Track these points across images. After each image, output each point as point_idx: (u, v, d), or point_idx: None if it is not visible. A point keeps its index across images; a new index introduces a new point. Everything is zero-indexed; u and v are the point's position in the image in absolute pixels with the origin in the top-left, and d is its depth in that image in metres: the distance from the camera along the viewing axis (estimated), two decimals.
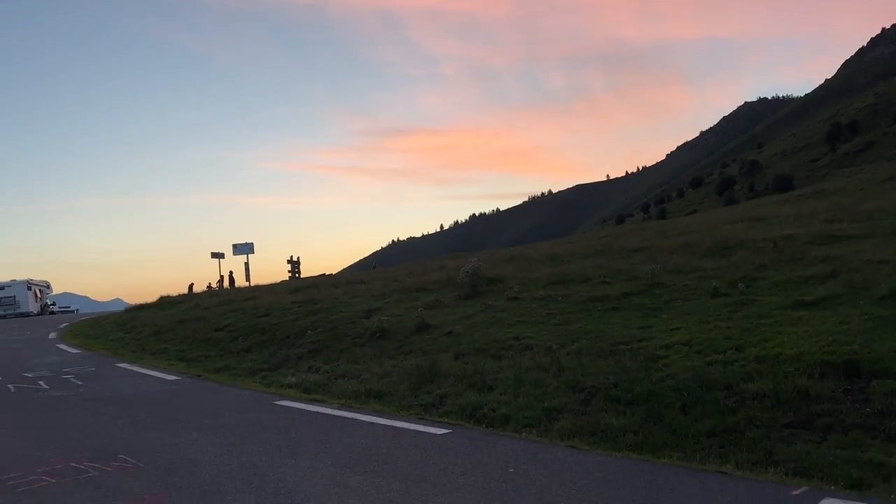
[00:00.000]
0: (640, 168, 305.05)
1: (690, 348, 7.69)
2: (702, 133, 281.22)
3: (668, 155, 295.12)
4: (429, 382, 8.71)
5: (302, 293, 17.93)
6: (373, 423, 6.53)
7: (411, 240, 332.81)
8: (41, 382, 9.73)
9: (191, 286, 36.87)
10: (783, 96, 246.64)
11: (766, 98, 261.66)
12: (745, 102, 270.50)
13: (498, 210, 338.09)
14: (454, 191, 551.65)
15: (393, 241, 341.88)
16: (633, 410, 6.40)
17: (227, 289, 32.75)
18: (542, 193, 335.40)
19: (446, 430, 6.05)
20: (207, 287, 36.03)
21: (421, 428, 6.19)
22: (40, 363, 12.23)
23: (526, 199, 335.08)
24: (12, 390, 9.20)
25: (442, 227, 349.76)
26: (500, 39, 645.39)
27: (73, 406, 7.92)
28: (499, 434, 5.99)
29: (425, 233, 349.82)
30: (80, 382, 9.62)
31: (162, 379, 9.78)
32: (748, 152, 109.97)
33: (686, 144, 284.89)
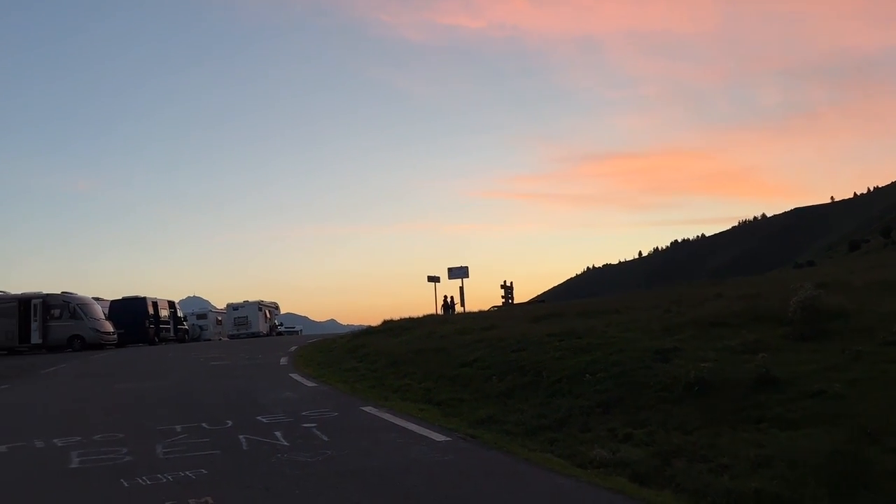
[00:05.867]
0: (872, 188, 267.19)
1: None
2: None
3: None
4: (860, 487, 5.32)
5: (550, 323, 15.07)
6: None
7: (607, 266, 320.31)
8: (278, 434, 7.58)
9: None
10: None
11: None
12: None
13: (703, 236, 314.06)
14: (654, 216, 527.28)
15: (588, 267, 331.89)
16: None
17: (443, 314, 31.17)
18: (755, 217, 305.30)
19: None
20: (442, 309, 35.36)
21: None
22: (275, 400, 10.39)
23: (735, 223, 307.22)
24: (244, 446, 7.07)
25: (640, 253, 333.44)
26: (706, 56, 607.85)
27: (326, 488, 5.49)
28: None
29: (622, 259, 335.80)
30: (325, 438, 7.33)
31: (428, 439, 7.20)
32: None
33: None
